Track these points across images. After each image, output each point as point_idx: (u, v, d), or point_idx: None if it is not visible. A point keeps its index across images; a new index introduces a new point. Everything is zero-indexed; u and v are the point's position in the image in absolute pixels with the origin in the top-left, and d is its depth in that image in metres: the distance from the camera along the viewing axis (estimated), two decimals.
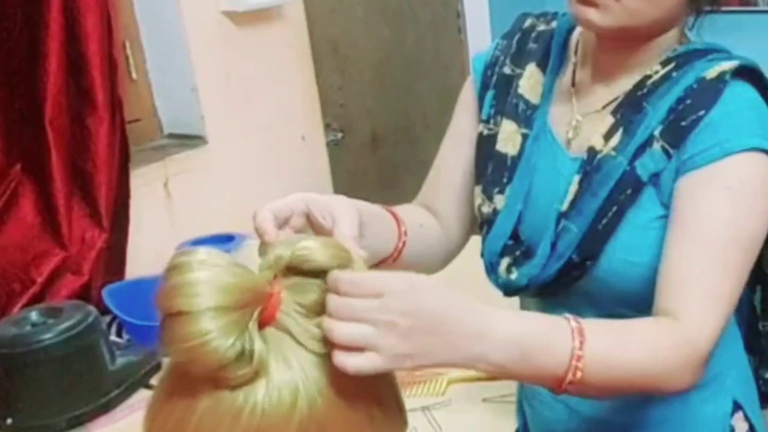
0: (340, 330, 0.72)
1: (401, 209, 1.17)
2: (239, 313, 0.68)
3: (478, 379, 1.59)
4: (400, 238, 1.10)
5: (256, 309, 0.69)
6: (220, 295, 0.67)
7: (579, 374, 0.86)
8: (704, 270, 0.97)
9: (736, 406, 1.17)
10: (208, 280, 0.67)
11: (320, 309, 0.72)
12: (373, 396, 0.74)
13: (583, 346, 0.86)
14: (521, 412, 1.34)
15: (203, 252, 0.70)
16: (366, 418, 0.72)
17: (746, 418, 1.18)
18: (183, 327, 0.66)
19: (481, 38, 2.68)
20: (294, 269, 0.72)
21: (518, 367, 0.84)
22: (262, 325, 0.70)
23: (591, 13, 1.03)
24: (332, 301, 0.72)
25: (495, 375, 0.85)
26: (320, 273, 0.73)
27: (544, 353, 0.85)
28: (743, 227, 0.98)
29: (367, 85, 2.72)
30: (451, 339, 0.78)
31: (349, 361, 0.71)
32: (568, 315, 0.89)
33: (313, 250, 0.72)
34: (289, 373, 0.69)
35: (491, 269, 1.16)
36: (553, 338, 0.86)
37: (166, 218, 2.27)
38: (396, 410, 0.77)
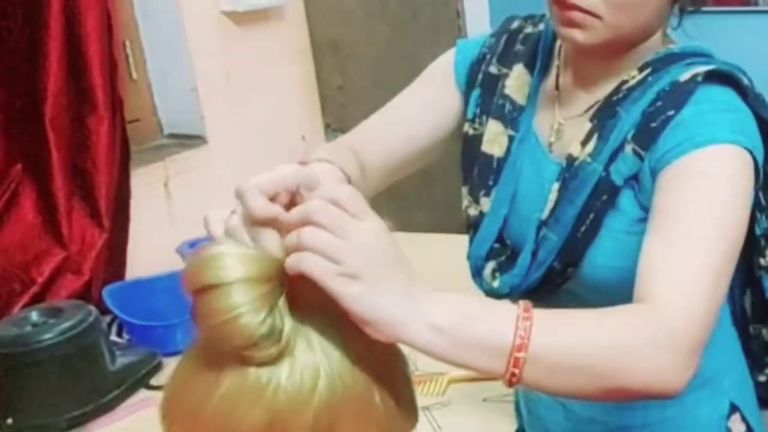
0: (312, 232, 0.70)
1: (345, 161, 1.06)
2: (268, 287, 0.68)
3: (478, 379, 1.59)
4: None
5: (284, 286, 0.70)
6: (247, 266, 0.67)
7: (527, 343, 0.77)
8: (682, 255, 0.90)
9: (733, 408, 1.17)
10: (235, 252, 0.68)
11: None
12: (390, 388, 0.74)
13: (530, 312, 0.78)
14: (519, 413, 1.34)
15: (230, 238, 0.71)
16: (381, 408, 0.72)
17: (744, 419, 1.17)
18: (213, 301, 0.66)
19: None
20: None
21: (458, 333, 0.75)
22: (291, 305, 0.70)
23: (575, 33, 1.02)
24: (314, 205, 0.71)
25: (429, 347, 0.75)
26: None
27: (488, 318, 0.78)
28: (720, 210, 0.94)
29: (367, 85, 2.72)
30: (404, 279, 0.74)
31: (299, 259, 0.69)
32: None
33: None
34: (312, 356, 0.69)
35: (477, 273, 1.16)
36: (497, 306, 0.82)
37: (166, 218, 2.27)
38: (409, 405, 0.77)
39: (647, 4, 1.02)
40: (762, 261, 1.13)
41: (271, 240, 0.73)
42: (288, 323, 0.69)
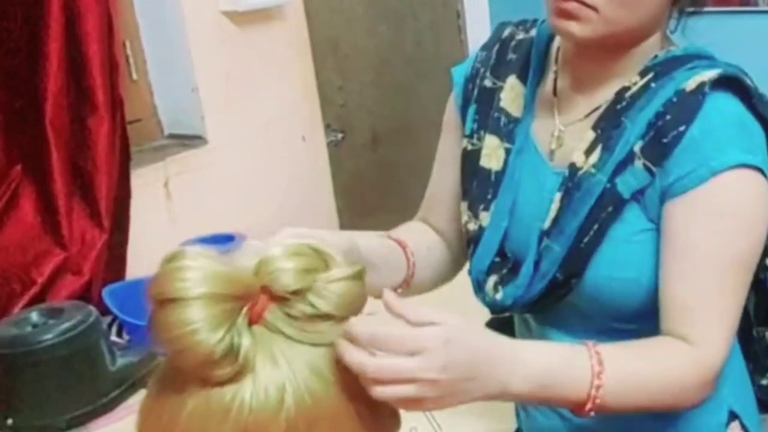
0: (387, 392, 0.76)
1: (408, 232, 1.20)
2: (228, 306, 0.68)
3: None
4: (409, 269, 1.14)
5: (245, 304, 0.69)
6: (209, 283, 0.67)
7: (599, 401, 0.92)
8: (709, 294, 0.99)
9: (732, 416, 1.16)
10: (199, 267, 0.68)
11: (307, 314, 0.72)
12: (366, 397, 0.74)
13: (602, 376, 0.92)
14: (518, 414, 1.33)
15: (199, 247, 0.71)
16: (356, 418, 0.73)
17: (743, 426, 1.17)
18: (171, 314, 0.67)
19: (481, 38, 2.67)
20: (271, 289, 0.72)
21: (540, 397, 0.92)
22: (251, 322, 0.70)
23: (571, 26, 1.02)
24: (371, 363, 0.74)
25: (522, 402, 0.96)
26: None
27: (564, 385, 0.92)
28: (739, 246, 1.00)
29: (367, 85, 2.72)
30: (482, 381, 0.85)
31: (403, 407, 0.79)
32: (588, 342, 0.94)
33: (280, 271, 0.71)
34: (276, 372, 0.69)
35: (478, 287, 1.16)
36: (572, 371, 0.92)
37: (166, 218, 2.27)
38: (387, 411, 0.77)
39: (645, 2, 1.01)
40: (767, 262, 1.13)
41: (247, 256, 0.74)
42: (246, 342, 0.68)
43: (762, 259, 1.13)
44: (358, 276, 0.74)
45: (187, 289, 0.66)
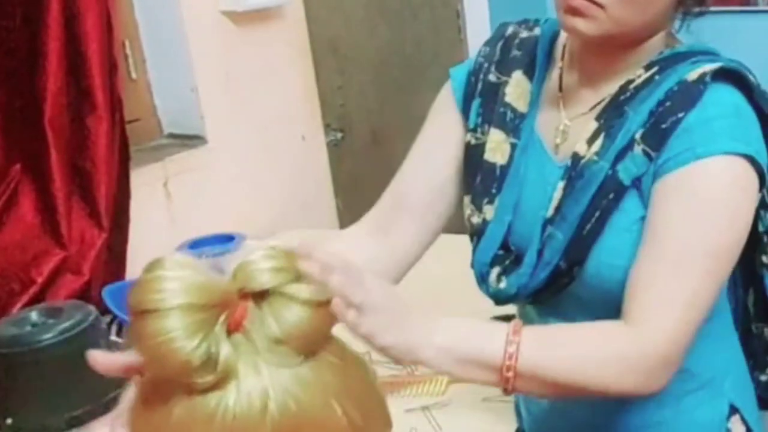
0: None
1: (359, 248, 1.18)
2: (205, 314, 0.68)
3: None
4: None
5: (222, 312, 0.69)
6: (186, 293, 0.67)
7: (513, 366, 0.93)
8: (664, 275, 0.97)
9: (733, 410, 1.17)
10: (176, 277, 0.68)
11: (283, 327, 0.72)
12: (354, 399, 0.74)
13: (519, 334, 0.94)
14: (518, 414, 1.34)
15: (179, 256, 0.71)
16: (344, 420, 0.72)
17: (743, 421, 1.17)
18: (149, 325, 0.67)
19: (481, 38, 2.67)
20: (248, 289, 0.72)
21: (457, 351, 0.94)
22: (229, 331, 0.70)
23: (578, 23, 1.03)
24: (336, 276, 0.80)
25: (438, 365, 0.94)
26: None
27: (481, 340, 0.95)
28: (709, 234, 0.98)
29: (367, 85, 2.72)
30: (404, 319, 0.91)
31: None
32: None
33: (256, 271, 0.71)
34: (258, 379, 0.69)
35: (482, 279, 1.16)
36: (492, 329, 0.97)
37: (166, 218, 2.27)
38: (379, 413, 0.77)
39: (652, 2, 1.03)
40: (764, 258, 1.14)
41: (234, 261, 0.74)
42: (225, 349, 0.68)
43: (759, 255, 1.13)
44: (316, 304, 0.72)
45: (163, 300, 0.67)
